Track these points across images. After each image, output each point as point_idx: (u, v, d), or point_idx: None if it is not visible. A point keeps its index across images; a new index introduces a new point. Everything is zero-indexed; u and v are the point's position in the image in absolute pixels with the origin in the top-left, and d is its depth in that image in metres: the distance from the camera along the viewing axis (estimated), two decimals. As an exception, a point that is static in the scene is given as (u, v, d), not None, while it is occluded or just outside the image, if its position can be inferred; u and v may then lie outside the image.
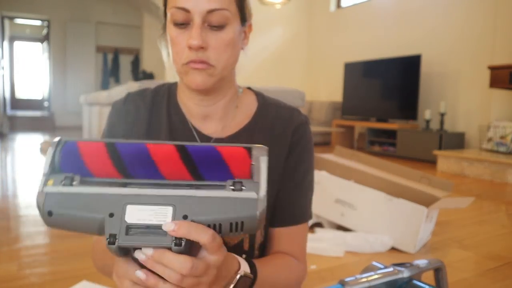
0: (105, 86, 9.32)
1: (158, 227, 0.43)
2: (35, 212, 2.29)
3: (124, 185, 0.47)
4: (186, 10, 0.59)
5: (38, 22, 10.17)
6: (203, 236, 0.43)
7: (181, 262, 0.43)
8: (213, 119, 0.68)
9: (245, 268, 0.55)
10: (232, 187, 0.45)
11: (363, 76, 5.90)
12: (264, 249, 0.71)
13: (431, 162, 4.48)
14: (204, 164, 0.47)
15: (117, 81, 9.53)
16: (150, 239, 0.43)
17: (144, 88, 0.72)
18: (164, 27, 0.66)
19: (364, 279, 0.64)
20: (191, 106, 0.68)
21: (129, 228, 0.43)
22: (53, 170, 0.47)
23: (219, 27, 0.60)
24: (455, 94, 4.93)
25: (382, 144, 5.44)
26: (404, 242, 1.77)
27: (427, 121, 4.83)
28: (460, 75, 4.87)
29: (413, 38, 5.40)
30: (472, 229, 2.16)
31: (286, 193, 0.69)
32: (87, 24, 9.21)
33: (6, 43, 9.83)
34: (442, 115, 4.68)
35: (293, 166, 0.69)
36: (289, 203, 0.69)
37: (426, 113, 4.85)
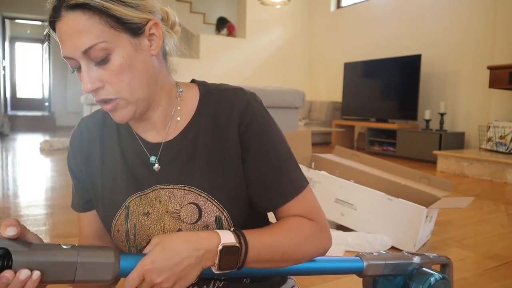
0: (105, 86, 9.33)
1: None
2: (36, 211, 2.29)
3: None
4: (71, 58, 0.58)
5: (38, 23, 10.17)
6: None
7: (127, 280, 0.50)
8: (156, 129, 0.66)
9: (227, 240, 0.55)
10: None
11: (363, 76, 5.91)
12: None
13: (431, 162, 4.48)
14: None
15: (117, 81, 9.54)
16: None
17: (97, 109, 0.72)
18: None
19: (380, 256, 0.68)
20: (133, 122, 0.67)
21: None
22: None
23: (102, 61, 0.56)
24: (455, 94, 4.93)
25: (382, 144, 5.44)
26: (404, 241, 1.78)
27: (427, 121, 4.83)
28: (460, 75, 4.88)
29: (413, 38, 5.40)
30: (472, 229, 2.16)
31: (266, 178, 0.63)
32: (87, 24, 9.21)
33: (7, 44, 9.84)
34: (442, 115, 4.68)
35: (259, 150, 0.63)
36: (275, 185, 0.64)
37: (426, 113, 4.85)
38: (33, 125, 8.57)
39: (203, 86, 0.69)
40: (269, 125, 0.65)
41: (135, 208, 0.64)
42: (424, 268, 0.69)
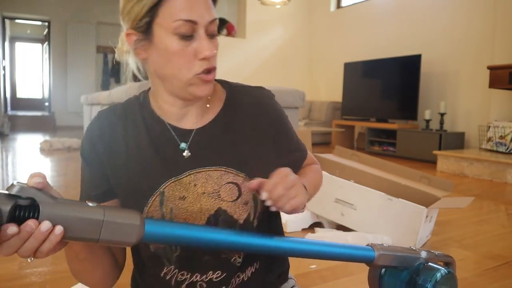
0: (105, 86, 9.33)
1: None
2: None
3: None
4: (194, 22, 0.61)
5: (38, 23, 10.18)
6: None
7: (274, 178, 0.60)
8: (190, 117, 0.71)
9: None
10: None
11: (363, 76, 5.91)
12: (264, 220, 0.74)
13: (431, 162, 4.48)
14: None
15: (118, 81, 9.54)
16: None
17: (114, 104, 0.74)
18: (144, 39, 0.65)
19: (391, 248, 0.69)
20: (169, 109, 0.70)
21: None
22: None
23: (213, 35, 0.65)
24: (455, 94, 4.93)
25: (382, 144, 5.44)
26: (404, 241, 1.78)
27: (427, 121, 4.83)
28: (460, 75, 4.88)
29: (413, 38, 5.40)
30: (472, 228, 2.16)
31: (288, 158, 0.78)
32: (87, 25, 9.22)
33: (7, 44, 9.85)
34: (442, 115, 4.68)
35: (283, 139, 0.77)
36: (296, 157, 0.82)
37: (426, 113, 4.85)
38: (33, 125, 8.58)
39: (225, 82, 0.77)
40: (285, 117, 0.79)
41: (171, 193, 0.66)
42: (430, 263, 0.69)
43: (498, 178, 3.65)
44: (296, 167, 0.80)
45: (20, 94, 11.46)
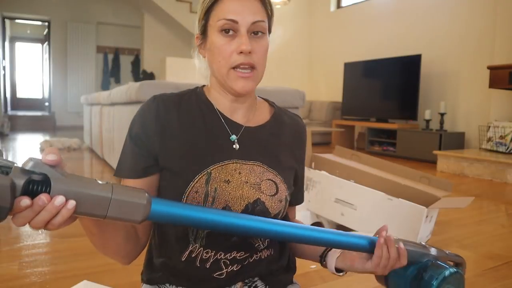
0: (105, 86, 9.33)
1: None
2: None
3: None
4: (235, 21, 0.70)
5: (38, 23, 10.18)
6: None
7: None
8: (239, 113, 0.79)
9: None
10: None
11: (363, 76, 5.91)
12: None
13: (431, 162, 4.48)
14: None
15: (118, 81, 9.54)
16: None
17: (167, 93, 0.80)
18: (202, 39, 0.77)
19: (401, 240, 0.70)
20: (222, 101, 0.78)
21: None
22: None
23: (259, 36, 0.73)
24: (455, 94, 4.93)
25: (382, 144, 5.44)
26: (404, 241, 1.77)
27: (427, 121, 4.83)
28: (460, 75, 4.88)
29: (413, 38, 5.40)
30: (472, 228, 2.16)
31: (297, 182, 0.85)
32: (87, 24, 9.22)
33: (7, 44, 9.85)
34: (442, 115, 4.68)
35: (301, 161, 0.86)
36: (298, 189, 0.87)
37: (426, 113, 4.85)
38: (33, 125, 8.58)
39: (273, 104, 0.88)
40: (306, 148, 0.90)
41: (217, 175, 0.73)
42: (438, 262, 0.69)
43: (498, 178, 3.65)
44: (292, 204, 0.87)
45: (20, 94, 11.46)
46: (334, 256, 0.79)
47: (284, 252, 0.83)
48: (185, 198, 0.72)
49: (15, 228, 2.00)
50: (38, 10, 8.92)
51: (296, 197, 0.87)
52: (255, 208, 0.73)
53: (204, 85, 0.83)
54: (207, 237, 0.72)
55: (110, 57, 9.55)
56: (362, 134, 6.14)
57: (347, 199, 1.96)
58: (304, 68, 7.60)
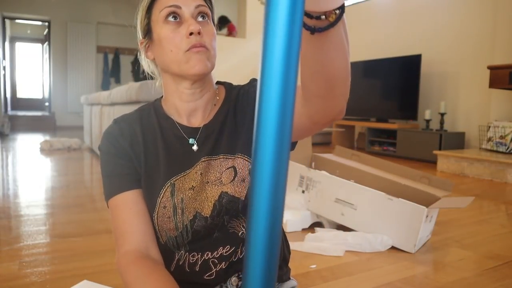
0: (105, 86, 9.32)
1: None
2: (36, 211, 2.29)
3: None
4: (177, 6, 0.70)
5: (38, 23, 10.18)
6: None
7: None
8: (198, 113, 0.78)
9: None
10: None
11: (363, 76, 5.90)
12: None
13: (431, 162, 4.48)
14: None
15: (118, 81, 9.53)
16: None
17: (129, 113, 0.81)
18: (147, 40, 0.75)
19: None
20: (179, 106, 0.77)
21: None
22: None
23: (205, 19, 0.72)
24: (455, 94, 4.93)
25: (382, 144, 5.44)
26: (404, 241, 1.78)
27: (427, 121, 4.83)
28: (460, 75, 4.88)
29: (413, 38, 5.40)
30: (472, 228, 2.16)
31: None
32: (87, 24, 9.22)
33: (7, 44, 9.85)
34: (442, 115, 4.68)
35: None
36: None
37: (426, 113, 4.85)
38: (33, 125, 8.58)
39: (228, 85, 0.84)
40: None
41: (180, 185, 0.73)
42: None
43: (498, 178, 3.65)
44: None
45: (20, 94, 11.46)
46: None
47: None
48: (155, 216, 0.72)
49: (16, 228, 2.00)
50: (38, 10, 8.92)
51: None
52: (222, 202, 0.72)
53: (161, 97, 0.82)
54: (190, 242, 0.73)
55: (110, 57, 9.55)
56: (362, 134, 6.14)
57: (347, 199, 1.96)
58: (304, 68, 7.59)
